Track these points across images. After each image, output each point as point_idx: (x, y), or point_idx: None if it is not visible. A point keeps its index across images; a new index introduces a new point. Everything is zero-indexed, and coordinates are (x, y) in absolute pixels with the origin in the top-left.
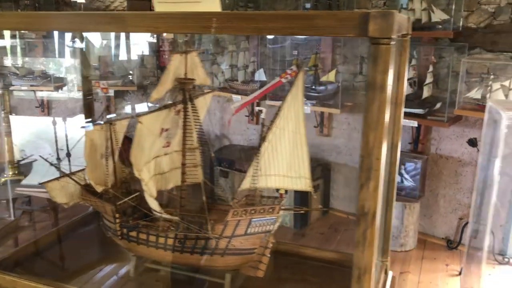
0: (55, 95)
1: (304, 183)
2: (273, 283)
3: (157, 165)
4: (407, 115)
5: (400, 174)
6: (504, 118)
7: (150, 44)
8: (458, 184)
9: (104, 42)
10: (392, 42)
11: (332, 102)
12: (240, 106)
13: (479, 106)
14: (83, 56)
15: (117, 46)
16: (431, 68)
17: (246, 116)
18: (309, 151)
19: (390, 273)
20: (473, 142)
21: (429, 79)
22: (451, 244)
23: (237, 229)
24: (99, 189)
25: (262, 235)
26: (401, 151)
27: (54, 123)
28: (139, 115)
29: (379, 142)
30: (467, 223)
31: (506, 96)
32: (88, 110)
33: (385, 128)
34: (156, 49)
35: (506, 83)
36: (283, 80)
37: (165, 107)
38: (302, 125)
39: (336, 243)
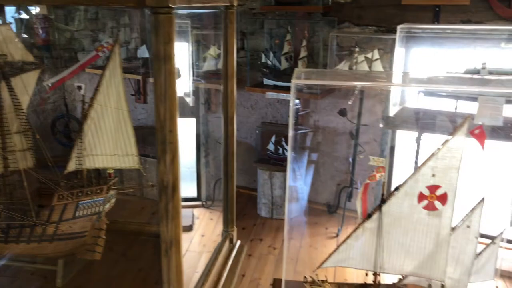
0: None
1: (132, 160)
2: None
3: None
4: (285, 89)
5: (281, 146)
6: (292, 86)
7: (22, 20)
8: (335, 153)
9: None
10: (174, 12)
11: (215, 78)
12: (55, 82)
13: None
14: None
15: None
16: (304, 43)
17: (132, 95)
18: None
19: (238, 242)
20: (342, 112)
21: (303, 53)
22: (331, 209)
23: (64, 213)
24: None
25: (94, 217)
26: (281, 124)
27: None
28: None
29: (171, 114)
30: (343, 187)
31: (370, 67)
32: None
33: (176, 100)
34: (30, 26)
35: (370, 55)
36: (100, 54)
37: None
38: (123, 101)
39: None
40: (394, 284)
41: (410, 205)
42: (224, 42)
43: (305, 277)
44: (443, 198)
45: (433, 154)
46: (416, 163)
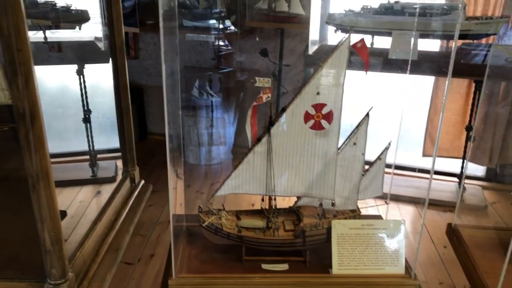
0: None
1: (2, 96)
2: None
3: None
4: (206, 31)
5: (205, 90)
6: None
7: None
8: (258, 94)
9: None
10: None
11: (131, 20)
12: None
13: (268, 16)
14: None
15: None
16: None
17: None
18: None
19: (142, 182)
20: (264, 53)
21: None
22: None
23: None
24: None
25: None
26: (204, 68)
27: None
28: None
29: (17, 29)
30: None
31: (289, 6)
32: None
33: (22, 12)
34: None
35: None
36: None
37: None
38: None
39: (152, 166)
40: (290, 207)
41: (297, 125)
42: None
43: (200, 207)
44: (329, 116)
45: (316, 71)
46: None
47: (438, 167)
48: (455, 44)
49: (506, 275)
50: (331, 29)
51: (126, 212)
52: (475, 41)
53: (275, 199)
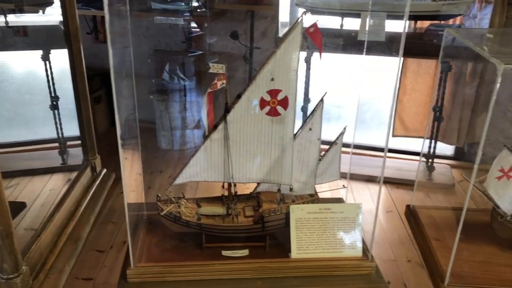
0: None
1: None
2: None
3: None
4: (175, 13)
5: (176, 74)
6: None
7: None
8: (230, 79)
9: None
10: None
11: (99, 3)
12: None
13: None
14: None
15: None
16: None
17: (87, 33)
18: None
19: (104, 171)
20: (234, 35)
21: None
22: None
23: None
24: None
25: None
26: (174, 51)
27: None
28: None
29: None
30: None
31: None
32: None
33: None
34: None
35: None
36: None
37: None
38: None
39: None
40: (250, 193)
41: (253, 112)
42: None
43: (158, 196)
44: (284, 103)
45: (270, 57)
46: (307, 83)
47: (408, 147)
48: (405, 25)
49: (459, 253)
50: (301, 10)
51: (86, 202)
52: (442, 21)
53: (235, 185)
